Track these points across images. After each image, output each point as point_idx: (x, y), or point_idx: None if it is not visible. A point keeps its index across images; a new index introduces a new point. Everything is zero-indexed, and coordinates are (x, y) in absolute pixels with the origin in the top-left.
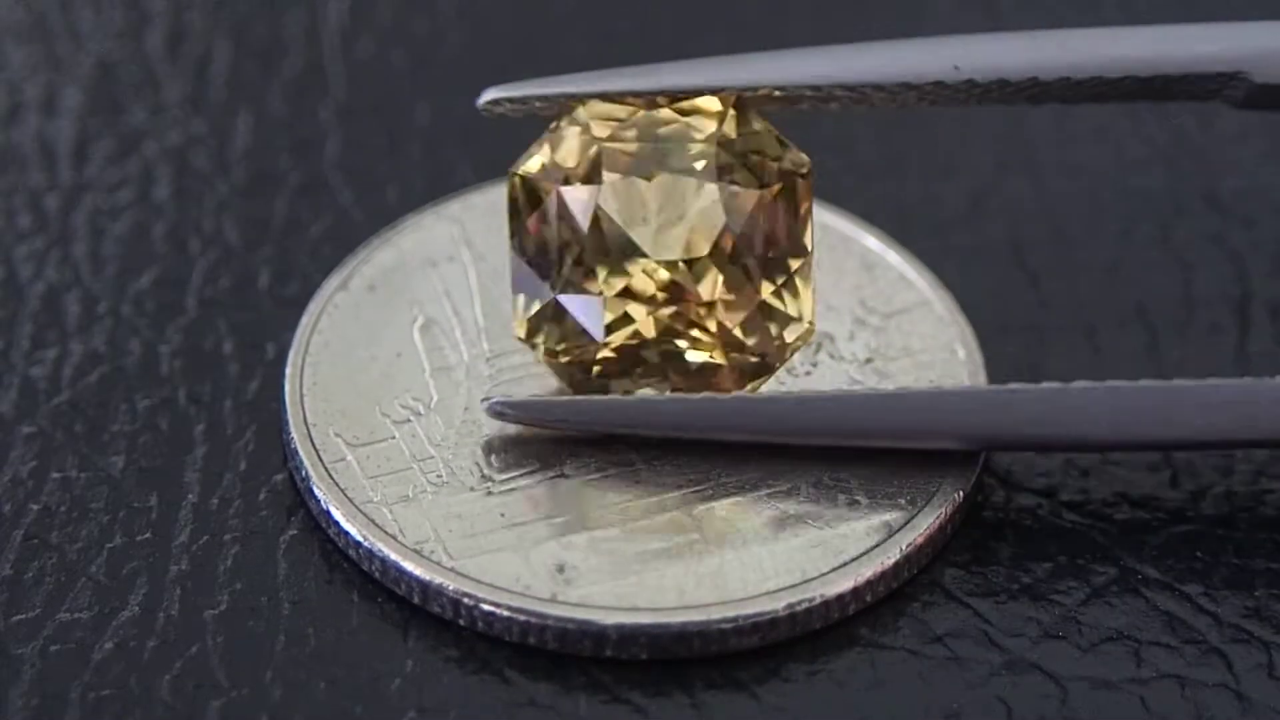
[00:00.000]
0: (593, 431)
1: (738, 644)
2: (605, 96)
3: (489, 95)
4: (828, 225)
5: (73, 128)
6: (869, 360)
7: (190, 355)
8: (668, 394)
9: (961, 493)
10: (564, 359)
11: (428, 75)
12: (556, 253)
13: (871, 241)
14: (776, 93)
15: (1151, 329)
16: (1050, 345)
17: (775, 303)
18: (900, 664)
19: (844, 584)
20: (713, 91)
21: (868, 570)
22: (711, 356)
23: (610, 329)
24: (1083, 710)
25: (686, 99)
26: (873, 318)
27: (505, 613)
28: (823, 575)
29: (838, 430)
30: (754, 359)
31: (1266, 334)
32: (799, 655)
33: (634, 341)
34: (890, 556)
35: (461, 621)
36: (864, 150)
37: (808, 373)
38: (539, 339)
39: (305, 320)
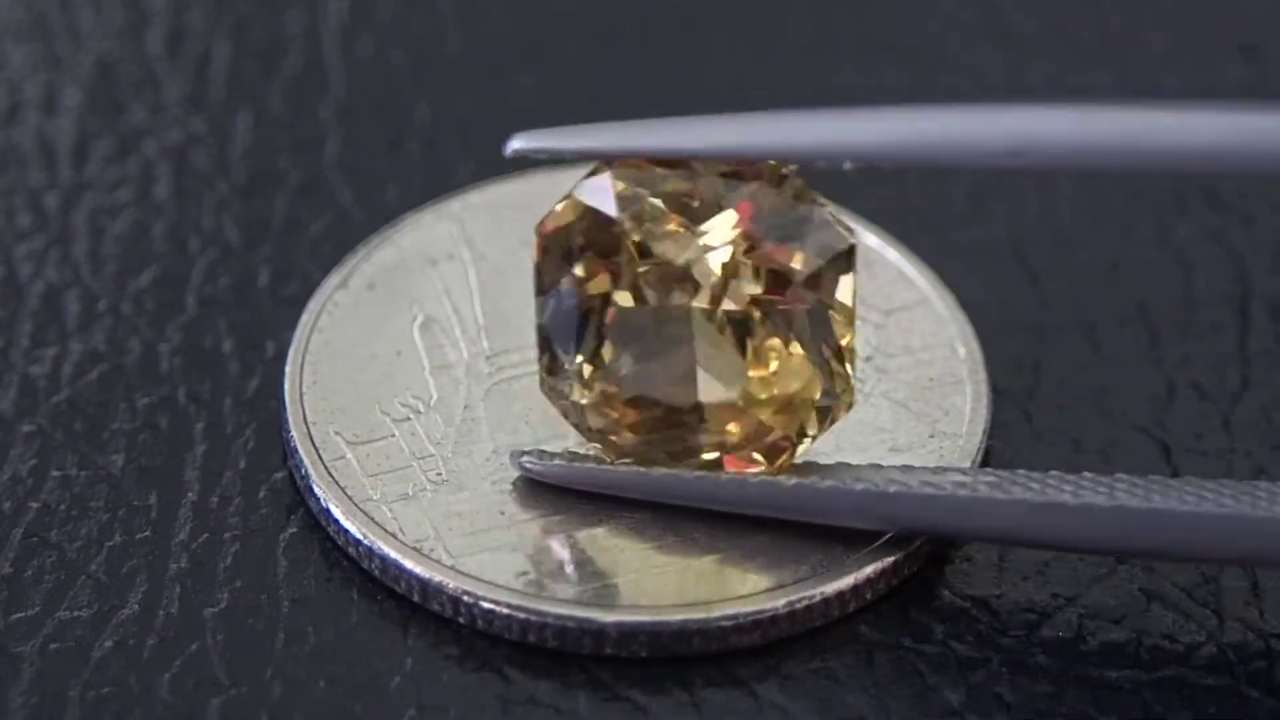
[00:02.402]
0: (613, 494)
1: (738, 642)
2: (636, 155)
3: (516, 145)
4: None
5: (72, 127)
6: (869, 358)
7: (190, 354)
8: (692, 472)
9: None
10: (586, 421)
11: (428, 75)
12: (578, 327)
13: (871, 239)
14: (821, 163)
15: (1152, 328)
16: (1050, 343)
17: (803, 396)
18: (900, 662)
19: (844, 581)
20: (752, 158)
21: (868, 568)
22: (724, 445)
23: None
24: (1083, 708)
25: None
26: (873, 315)
27: (505, 610)
28: (823, 573)
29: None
30: (769, 448)
31: (1266, 333)
32: (799, 653)
33: (648, 429)
34: (890, 554)
35: (461, 619)
36: None
37: None
38: (564, 390)
39: (305, 319)
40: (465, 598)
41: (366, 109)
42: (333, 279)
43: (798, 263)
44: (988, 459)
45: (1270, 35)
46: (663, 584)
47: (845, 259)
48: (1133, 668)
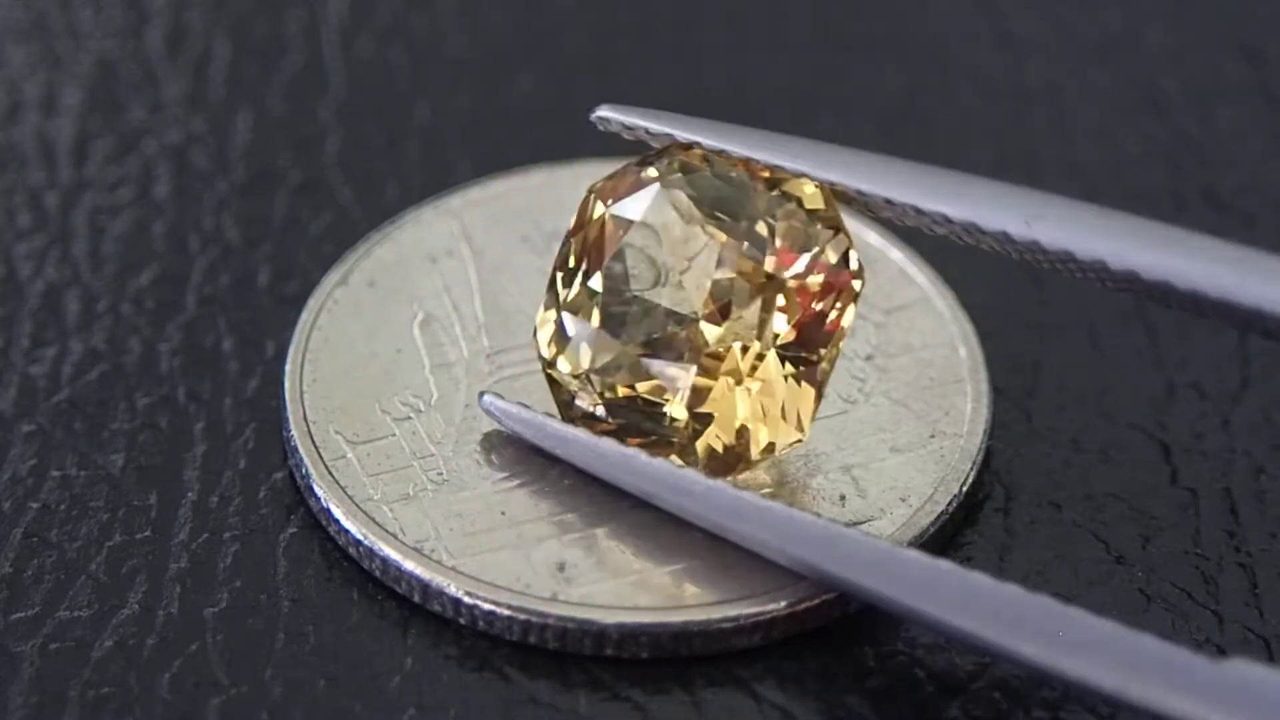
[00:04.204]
0: (564, 459)
1: (738, 643)
2: (704, 147)
3: (602, 112)
4: None
5: (72, 126)
6: (869, 357)
7: (190, 353)
8: (624, 447)
9: (961, 490)
10: (556, 375)
11: (428, 74)
12: (577, 269)
13: (872, 238)
14: (857, 194)
15: (1151, 327)
16: (1051, 343)
17: (764, 398)
18: (900, 661)
19: None
20: (799, 175)
21: None
22: (684, 428)
23: (598, 369)
24: (1082, 704)
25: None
26: (874, 314)
27: (506, 611)
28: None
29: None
30: (724, 445)
31: None
32: (799, 653)
33: (618, 394)
34: None
35: (462, 620)
36: (865, 147)
37: None
38: (543, 347)
39: (305, 317)
40: (466, 598)
41: (366, 108)
42: (332, 277)
43: (822, 305)
44: (988, 459)
45: (1270, 35)
46: (663, 585)
47: (853, 305)
48: None
